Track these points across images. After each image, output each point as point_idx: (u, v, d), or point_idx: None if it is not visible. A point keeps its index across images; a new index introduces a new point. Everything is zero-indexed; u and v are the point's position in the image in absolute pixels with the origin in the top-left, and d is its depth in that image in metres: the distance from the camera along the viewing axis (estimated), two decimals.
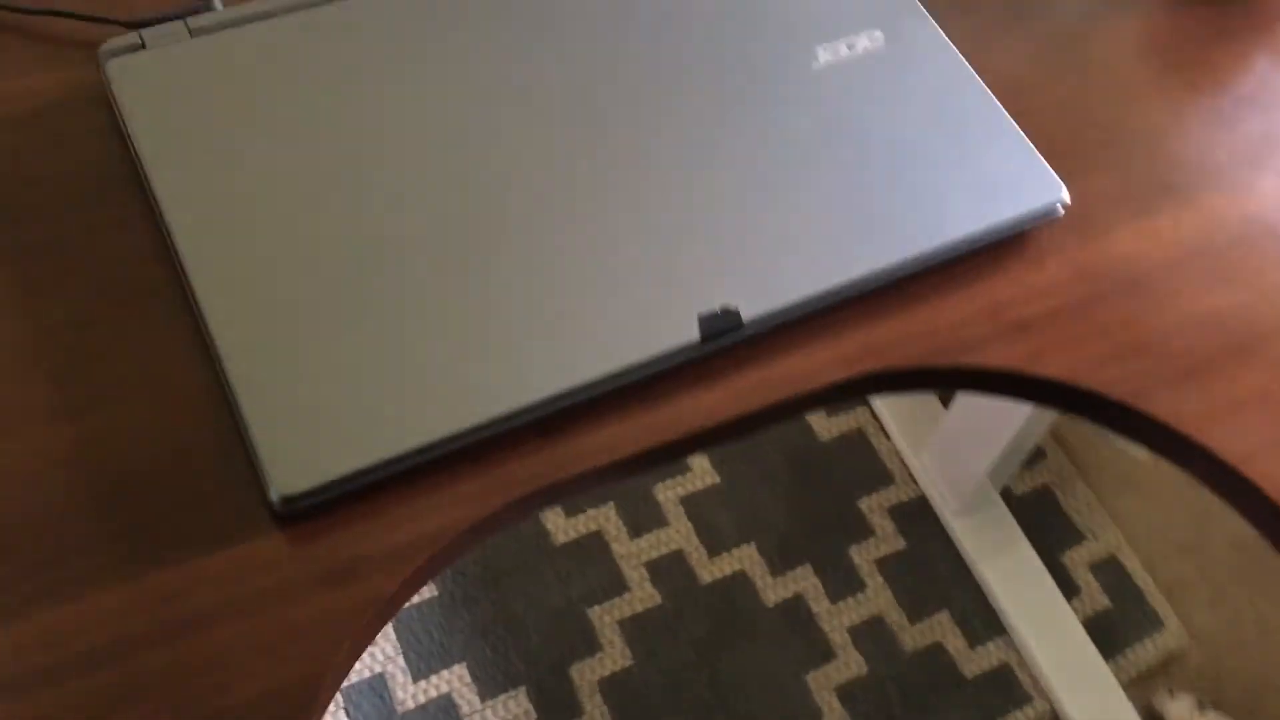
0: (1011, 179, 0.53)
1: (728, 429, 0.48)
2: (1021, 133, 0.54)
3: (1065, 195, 0.53)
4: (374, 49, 0.52)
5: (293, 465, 0.43)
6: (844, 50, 0.56)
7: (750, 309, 0.48)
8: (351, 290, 0.46)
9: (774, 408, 0.49)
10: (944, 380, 0.51)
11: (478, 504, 0.45)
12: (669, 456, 0.48)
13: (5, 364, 0.45)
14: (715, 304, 0.48)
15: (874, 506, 1.27)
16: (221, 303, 0.45)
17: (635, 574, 1.19)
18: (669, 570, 1.20)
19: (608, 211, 0.49)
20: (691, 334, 0.47)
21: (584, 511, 1.22)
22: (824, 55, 0.55)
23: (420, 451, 0.44)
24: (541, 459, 0.46)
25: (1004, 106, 0.56)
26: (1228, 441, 0.50)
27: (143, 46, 0.51)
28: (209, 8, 0.54)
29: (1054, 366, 0.51)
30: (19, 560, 0.42)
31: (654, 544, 1.21)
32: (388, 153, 0.49)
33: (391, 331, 0.45)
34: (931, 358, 0.50)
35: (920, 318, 0.51)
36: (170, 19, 0.53)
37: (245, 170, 0.48)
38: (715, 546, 1.22)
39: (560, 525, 1.21)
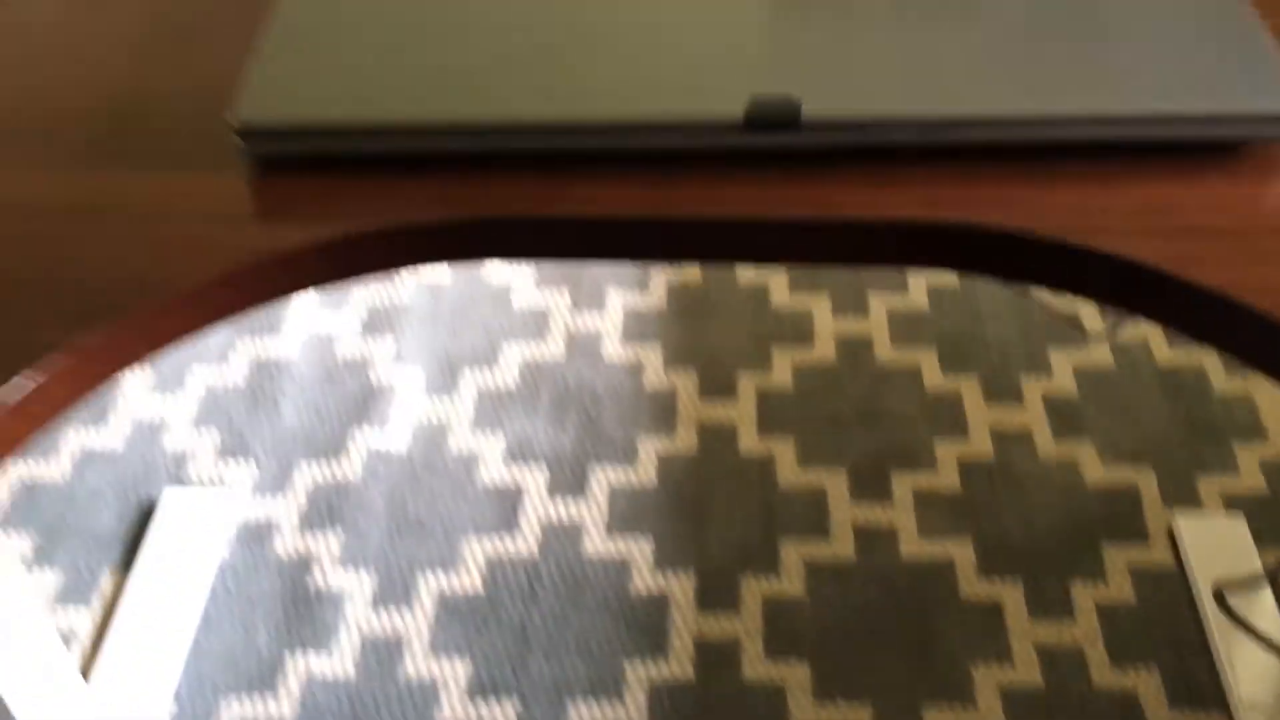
0: (1230, 78, 0.41)
1: (747, 231, 0.41)
2: (1267, 38, 0.43)
3: None
4: None
5: (266, 104, 0.42)
6: None
7: (816, 106, 0.41)
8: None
9: (818, 226, 0.40)
10: (1051, 262, 0.39)
11: (435, 208, 0.41)
12: (666, 239, 0.41)
13: (128, 15, 0.49)
14: (777, 90, 0.41)
15: None
16: None
17: None
18: None
19: None
20: (735, 112, 0.41)
21: None
22: None
23: (397, 130, 0.41)
24: (522, 188, 0.41)
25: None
26: None
27: None
28: None
29: (1210, 275, 0.37)
30: (40, 135, 0.44)
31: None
32: None
33: (433, 31, 0.44)
34: (1045, 229, 0.39)
35: (1058, 190, 0.41)
36: None
37: None
38: None
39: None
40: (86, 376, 0.38)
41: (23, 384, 0.36)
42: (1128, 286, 0.39)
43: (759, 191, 0.41)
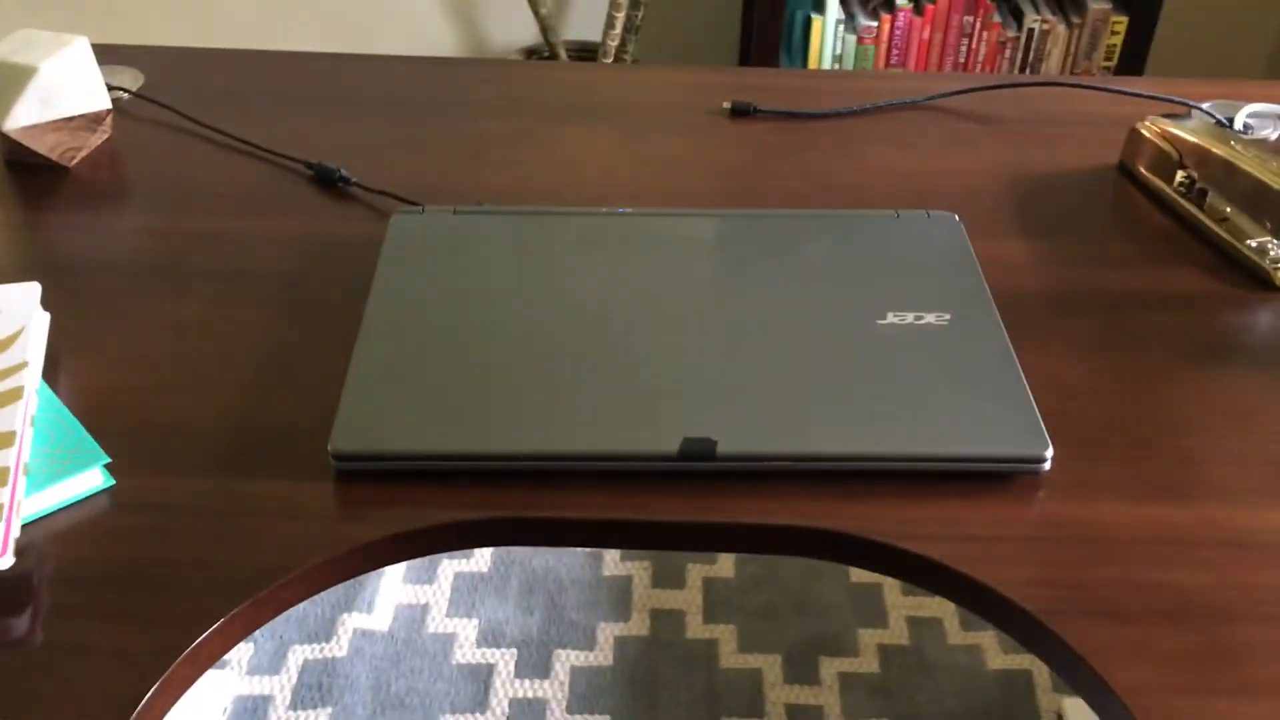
0: (1005, 429, 0.63)
1: (681, 529, 0.61)
2: (1032, 401, 0.65)
3: (1049, 452, 0.62)
4: (560, 246, 0.76)
5: (351, 436, 0.62)
6: (910, 318, 0.70)
7: (728, 445, 0.62)
8: (462, 351, 0.67)
9: (725, 527, 0.61)
10: (878, 557, 0.60)
11: (469, 510, 0.61)
12: (626, 535, 0.62)
13: (245, 347, 0.70)
14: (701, 433, 0.63)
15: None
16: (374, 330, 0.68)
17: None
18: None
19: (670, 342, 0.67)
20: (672, 448, 0.62)
21: None
22: (892, 317, 0.70)
23: (443, 458, 0.62)
24: (525, 497, 0.62)
25: (1051, 405, 0.67)
26: (1121, 674, 0.54)
27: (421, 212, 0.79)
28: (479, 207, 0.81)
29: (980, 571, 0.58)
30: (182, 446, 0.64)
31: None
32: (534, 299, 0.71)
33: (469, 380, 0.65)
34: (875, 535, 0.60)
35: (880, 505, 0.62)
36: (447, 207, 0.80)
37: (436, 279, 0.72)
38: None
39: None
40: (234, 634, 0.57)
41: (194, 641, 0.55)
42: (930, 577, 0.60)
43: (687, 501, 0.62)
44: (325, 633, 1.43)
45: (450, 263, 0.74)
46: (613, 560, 1.53)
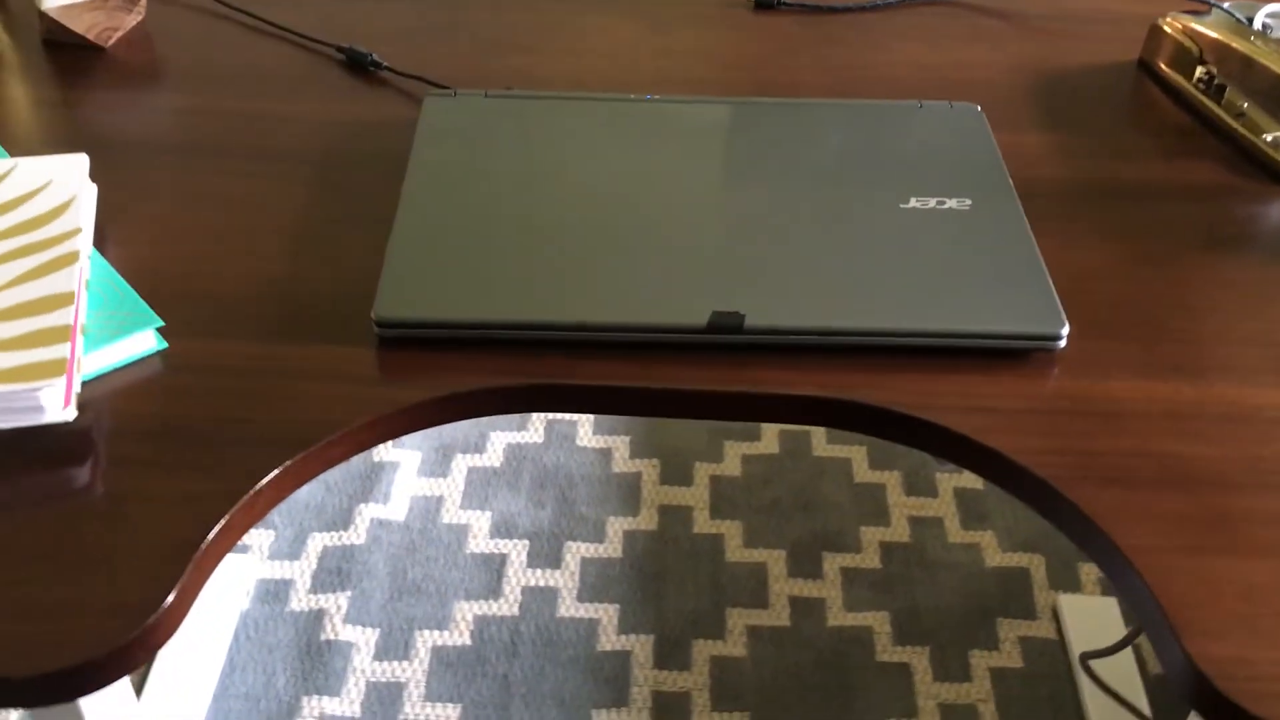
0: (1024, 307, 0.66)
1: (709, 398, 0.64)
2: (1050, 282, 0.67)
3: (1064, 330, 0.65)
4: (589, 130, 0.78)
5: (394, 304, 0.65)
6: (932, 203, 0.73)
7: (755, 319, 0.65)
8: (497, 226, 0.69)
9: (751, 397, 0.64)
10: (898, 427, 0.63)
11: (505, 377, 0.64)
12: (655, 403, 0.64)
13: (286, 221, 0.73)
14: (729, 307, 0.65)
15: None
16: (413, 204, 0.70)
17: None
18: None
19: (696, 222, 0.69)
20: (701, 321, 0.65)
21: None
22: (914, 202, 0.73)
23: (481, 326, 0.65)
24: (559, 365, 0.65)
25: (1067, 287, 0.69)
26: (1129, 536, 0.57)
27: (454, 95, 0.81)
28: (510, 91, 0.82)
29: (997, 441, 0.61)
30: (230, 312, 0.67)
31: None
32: (566, 178, 0.73)
33: (505, 253, 0.67)
34: (895, 406, 0.63)
35: (904, 378, 0.64)
36: (479, 91, 0.82)
37: (470, 158, 0.74)
38: None
39: None
40: (286, 486, 0.60)
41: (253, 488, 0.59)
42: (945, 445, 0.63)
43: (714, 372, 0.65)
44: (344, 522, 1.47)
45: (484, 143, 0.76)
46: (622, 458, 1.57)
